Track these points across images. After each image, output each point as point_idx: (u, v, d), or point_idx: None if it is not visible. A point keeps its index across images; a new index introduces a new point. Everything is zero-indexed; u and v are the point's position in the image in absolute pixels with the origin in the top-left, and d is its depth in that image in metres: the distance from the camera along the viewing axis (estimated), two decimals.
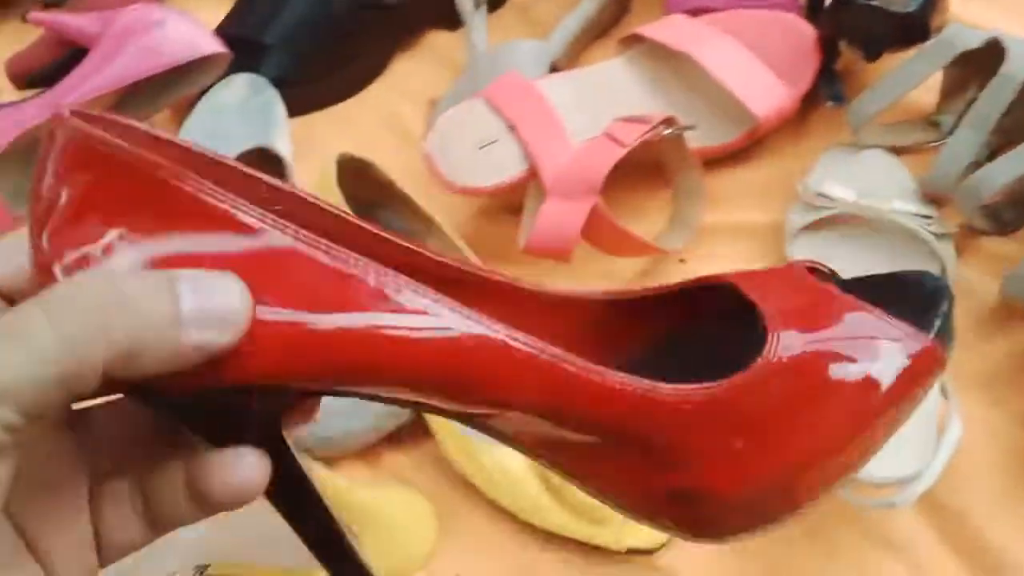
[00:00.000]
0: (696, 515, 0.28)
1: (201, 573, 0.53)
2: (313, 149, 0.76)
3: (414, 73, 0.82)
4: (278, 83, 0.75)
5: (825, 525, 0.53)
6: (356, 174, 0.59)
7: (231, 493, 0.25)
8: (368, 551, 0.56)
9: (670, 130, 0.61)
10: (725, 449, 0.27)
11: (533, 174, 0.60)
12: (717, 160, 0.67)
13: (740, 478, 0.27)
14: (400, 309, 0.24)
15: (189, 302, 0.23)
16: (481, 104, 0.62)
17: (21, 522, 0.25)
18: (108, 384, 0.23)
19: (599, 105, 0.65)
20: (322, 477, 0.54)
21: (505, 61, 0.69)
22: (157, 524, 0.27)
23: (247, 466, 0.25)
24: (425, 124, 0.77)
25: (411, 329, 0.24)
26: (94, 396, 0.24)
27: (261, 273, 0.24)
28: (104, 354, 0.22)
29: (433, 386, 0.25)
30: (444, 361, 0.25)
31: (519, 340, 0.25)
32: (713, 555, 0.53)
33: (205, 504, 0.25)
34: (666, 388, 0.26)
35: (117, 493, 0.27)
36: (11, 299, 0.27)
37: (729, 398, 0.27)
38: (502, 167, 0.60)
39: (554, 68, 0.71)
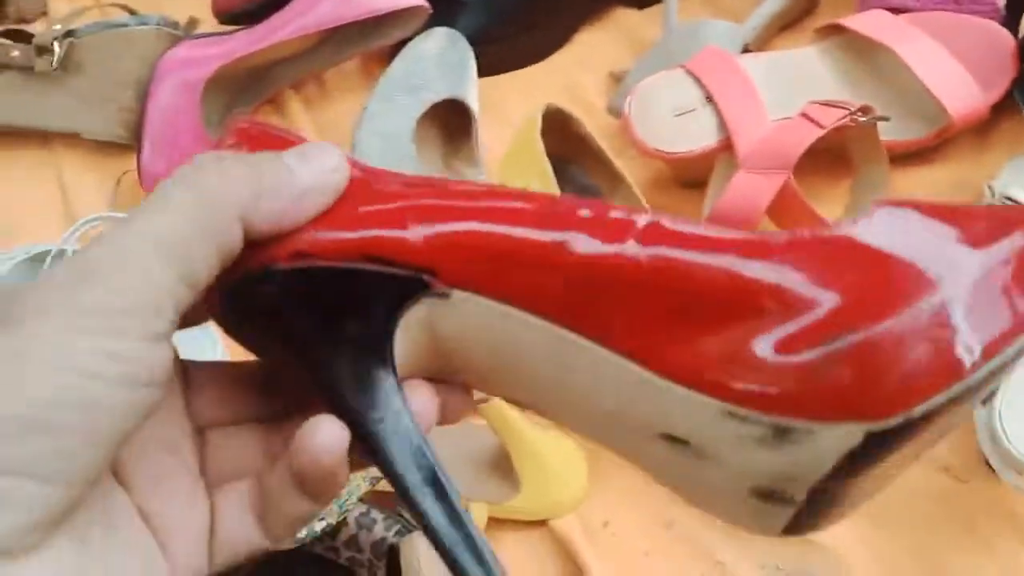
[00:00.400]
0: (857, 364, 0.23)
1: (373, 485, 0.55)
2: (496, 109, 0.79)
3: (597, 46, 0.84)
4: (470, 41, 0.78)
5: (978, 518, 0.53)
6: (558, 125, 0.62)
7: (311, 459, 0.25)
8: (527, 488, 0.58)
9: (866, 119, 0.62)
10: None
11: (726, 146, 0.62)
12: (902, 156, 0.68)
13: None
14: None
15: (296, 161, 0.26)
16: (682, 73, 0.63)
17: (135, 486, 0.26)
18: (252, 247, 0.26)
19: (792, 89, 0.66)
20: (497, 406, 0.56)
21: (698, 38, 0.71)
22: (271, 526, 0.27)
23: (326, 430, 0.25)
24: (605, 96, 0.80)
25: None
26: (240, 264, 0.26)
27: None
28: (235, 205, 0.25)
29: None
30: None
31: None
32: (866, 534, 0.54)
33: (303, 486, 0.26)
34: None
35: (234, 492, 0.28)
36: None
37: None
38: (697, 135, 0.62)
39: (745, 50, 0.73)
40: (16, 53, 0.81)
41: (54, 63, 0.80)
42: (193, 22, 0.86)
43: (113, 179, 0.82)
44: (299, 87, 0.85)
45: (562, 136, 0.63)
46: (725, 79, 0.63)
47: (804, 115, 0.61)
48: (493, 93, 0.80)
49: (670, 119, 0.62)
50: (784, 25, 0.79)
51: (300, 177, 0.26)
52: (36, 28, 0.95)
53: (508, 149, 0.64)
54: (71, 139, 0.85)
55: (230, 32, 0.81)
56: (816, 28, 0.70)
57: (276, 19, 0.78)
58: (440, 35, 0.74)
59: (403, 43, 0.80)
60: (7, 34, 0.83)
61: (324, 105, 0.85)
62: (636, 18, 0.85)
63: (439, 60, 0.73)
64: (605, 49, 0.83)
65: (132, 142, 0.83)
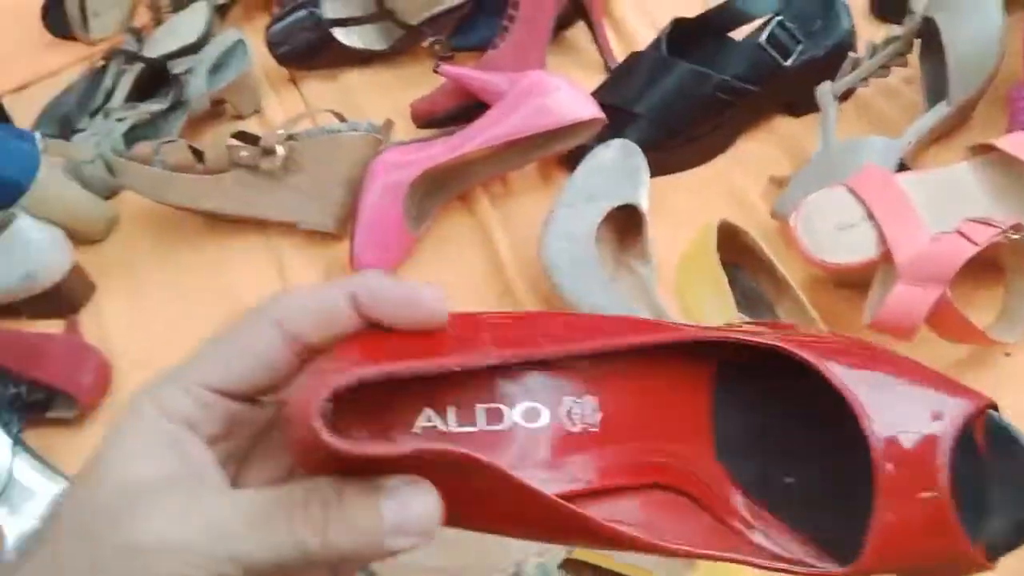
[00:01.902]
0: None
1: (569, 553, 0.63)
2: (663, 206, 0.87)
3: (757, 151, 0.91)
4: (641, 147, 0.86)
5: None
6: (730, 235, 0.69)
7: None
8: None
9: (1018, 236, 0.68)
10: None
11: (886, 257, 0.68)
12: None
13: None
14: None
15: (392, 514, 0.28)
16: (844, 191, 0.70)
17: None
18: None
19: (946, 204, 0.72)
20: None
21: (858, 153, 0.77)
22: None
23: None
24: (766, 198, 0.87)
25: None
26: None
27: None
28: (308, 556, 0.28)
29: None
30: None
31: None
32: None
33: None
34: None
35: None
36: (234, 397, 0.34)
37: None
38: (858, 248, 0.68)
39: (901, 164, 0.79)
40: (245, 153, 0.94)
41: (277, 163, 0.92)
42: (389, 124, 0.97)
43: (324, 265, 0.94)
44: (487, 185, 0.95)
45: (732, 244, 0.71)
46: (884, 197, 0.69)
47: (960, 232, 0.67)
48: (661, 192, 0.88)
49: (833, 233, 0.69)
50: (937, 137, 0.85)
51: (391, 543, 0.28)
52: (252, 126, 1.10)
53: (684, 254, 0.72)
54: (287, 228, 0.97)
55: (429, 139, 0.92)
56: (969, 147, 0.76)
57: (471, 129, 0.88)
58: (617, 146, 0.83)
59: (579, 148, 0.90)
60: (236, 136, 0.96)
61: (508, 201, 0.95)
62: (793, 126, 0.92)
63: (615, 169, 0.82)
64: (764, 154, 0.91)
65: (340, 233, 0.95)
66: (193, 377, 0.33)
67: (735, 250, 0.71)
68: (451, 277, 0.91)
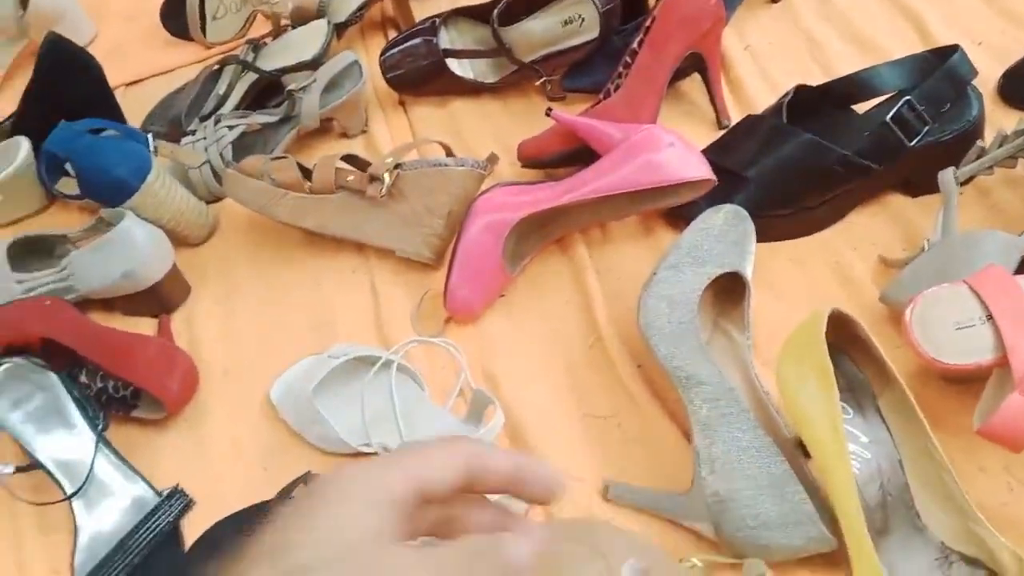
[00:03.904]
0: None
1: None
2: (764, 273, 0.86)
3: (868, 227, 0.89)
4: (748, 211, 0.85)
5: None
6: (840, 323, 0.68)
7: None
8: None
9: None
10: None
11: (1002, 362, 0.66)
12: None
13: None
14: None
15: None
16: (965, 289, 0.68)
17: None
18: None
19: None
20: None
21: (978, 247, 0.75)
22: None
23: None
24: (871, 276, 0.85)
25: None
26: None
27: None
28: None
29: None
30: None
31: None
32: None
33: None
34: None
35: None
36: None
37: None
38: (974, 350, 0.66)
39: (1022, 262, 0.76)
40: (352, 178, 0.95)
41: (383, 190, 0.93)
42: (494, 159, 0.97)
43: (417, 293, 0.95)
44: (586, 231, 0.95)
45: (841, 330, 0.69)
46: (1005, 299, 0.67)
47: None
48: (762, 258, 0.86)
49: (950, 331, 0.67)
50: None
51: None
52: (357, 146, 1.11)
53: (791, 338, 0.70)
54: (384, 253, 0.98)
55: (535, 182, 0.92)
56: None
57: (579, 178, 0.88)
58: (727, 212, 0.82)
59: (685, 204, 0.89)
60: (345, 159, 0.97)
61: (606, 249, 0.94)
62: (908, 205, 0.90)
63: (723, 235, 0.81)
64: (875, 231, 0.89)
65: (435, 264, 0.95)
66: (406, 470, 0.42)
67: (843, 336, 0.69)
68: (542, 320, 0.90)
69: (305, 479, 0.82)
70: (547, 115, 0.95)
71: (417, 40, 1.09)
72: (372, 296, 0.96)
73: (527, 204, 0.88)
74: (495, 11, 1.03)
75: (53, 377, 0.87)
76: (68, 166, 1.05)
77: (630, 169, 0.86)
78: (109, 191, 0.96)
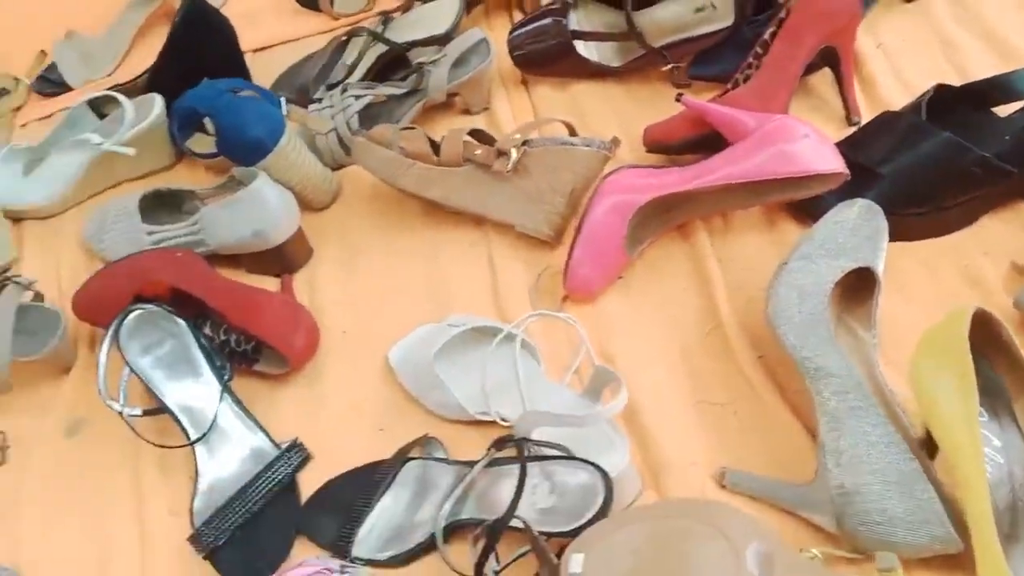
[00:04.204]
0: None
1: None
2: (892, 273, 0.85)
3: (1001, 233, 0.87)
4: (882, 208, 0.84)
5: None
6: (981, 325, 0.67)
7: None
8: None
9: None
10: None
11: None
12: None
13: None
14: None
15: None
16: None
17: None
18: None
19: None
20: None
21: None
22: None
23: None
24: (1002, 281, 0.83)
25: None
26: None
27: None
28: None
29: None
30: None
31: None
32: None
33: None
34: None
35: None
36: None
37: None
38: None
39: None
40: (479, 152, 0.96)
41: (509, 166, 0.94)
42: (616, 142, 0.97)
43: (534, 269, 0.96)
44: (707, 219, 0.95)
45: (981, 332, 0.68)
46: None
47: None
48: (891, 257, 0.85)
49: None
50: None
51: None
52: (479, 122, 1.12)
53: (928, 335, 0.69)
54: (503, 228, 0.99)
55: (662, 166, 0.92)
56: None
57: (710, 163, 0.88)
58: (861, 206, 0.81)
59: (810, 198, 0.88)
60: (472, 134, 0.99)
61: (728, 239, 0.94)
62: None
63: (857, 229, 0.80)
64: (1008, 237, 0.87)
65: (554, 241, 0.96)
66: None
67: (982, 337, 0.68)
68: (659, 304, 0.90)
69: (422, 442, 0.84)
70: (677, 100, 0.96)
71: (547, 20, 1.10)
72: (489, 270, 0.97)
73: (654, 187, 0.88)
74: None
75: (183, 325, 0.90)
76: (207, 122, 1.08)
77: (763, 158, 0.85)
78: (244, 150, 0.99)
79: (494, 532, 0.68)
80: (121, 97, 1.13)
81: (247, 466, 0.87)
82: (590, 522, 0.69)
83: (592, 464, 0.72)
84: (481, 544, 0.69)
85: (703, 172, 0.88)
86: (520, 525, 0.69)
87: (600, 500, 0.70)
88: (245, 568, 0.82)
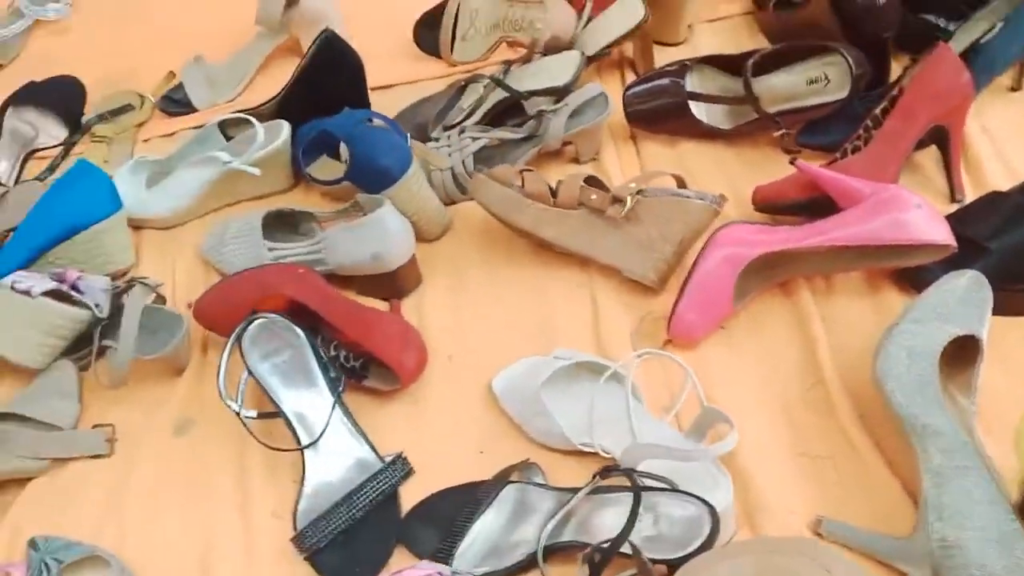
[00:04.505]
0: None
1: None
2: (994, 348, 0.86)
3: None
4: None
5: None
6: None
7: None
8: None
9: None
10: None
11: None
12: None
13: None
14: None
15: None
16: None
17: None
18: None
19: None
20: None
21: None
22: None
23: None
24: None
25: None
26: None
27: None
28: None
29: None
30: None
31: None
32: None
33: None
34: None
35: None
36: None
37: None
38: None
39: None
40: (595, 197, 1.00)
41: (623, 212, 0.98)
42: (723, 199, 1.01)
43: (635, 312, 0.99)
44: (809, 279, 0.98)
45: None
46: None
47: None
48: (995, 331, 0.86)
49: None
50: None
51: None
52: (586, 171, 1.16)
53: None
54: (607, 271, 1.03)
55: (770, 224, 0.96)
56: None
57: (822, 225, 0.91)
58: (970, 277, 0.84)
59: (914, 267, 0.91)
60: (587, 181, 1.03)
61: (830, 300, 0.97)
62: None
63: (966, 298, 0.83)
64: None
65: (658, 287, 1.00)
66: None
67: None
68: (761, 356, 0.93)
69: (522, 466, 0.87)
70: (791, 163, 0.99)
71: (665, 80, 1.15)
72: (592, 309, 1.01)
73: (765, 243, 0.92)
74: (750, 61, 1.08)
75: (303, 337, 0.94)
76: (342, 149, 1.13)
77: (876, 224, 0.89)
78: (374, 177, 1.04)
79: (610, 551, 0.71)
80: (254, 120, 1.20)
81: (351, 474, 0.90)
82: (695, 552, 0.72)
83: (699, 498, 0.75)
84: (591, 562, 0.72)
85: (815, 232, 0.91)
86: (628, 550, 0.72)
87: (706, 531, 0.73)
88: (345, 571, 0.85)
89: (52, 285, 1.03)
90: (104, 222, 1.15)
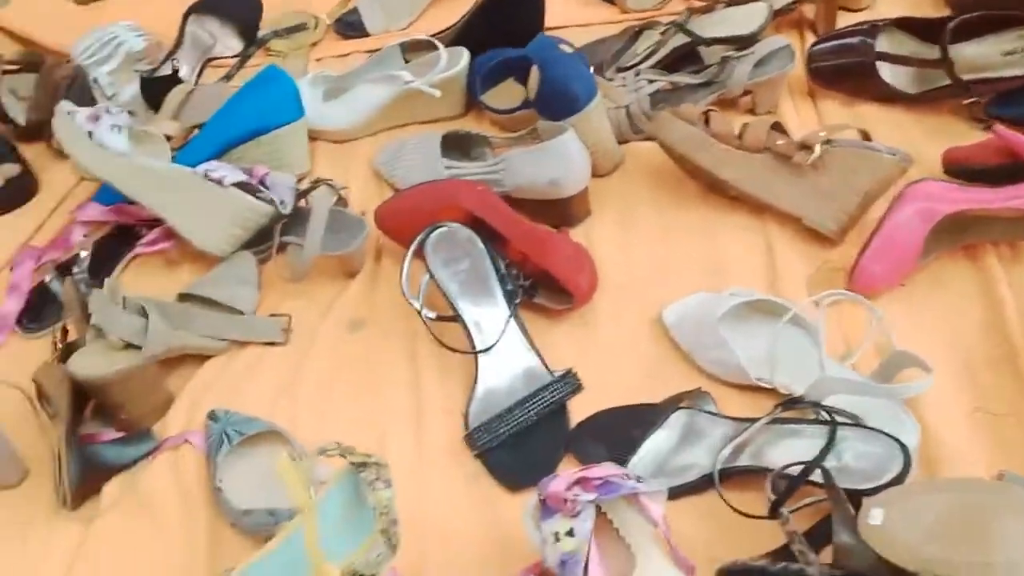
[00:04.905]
0: None
1: None
2: None
3: None
4: None
5: None
6: None
7: None
8: None
9: None
10: None
11: None
12: None
13: None
14: None
15: None
16: None
17: None
18: None
19: None
20: None
21: None
22: None
23: None
24: None
25: None
26: None
27: None
28: None
29: None
30: None
31: None
32: None
33: None
34: None
35: None
36: None
37: None
38: None
39: None
40: (782, 142, 1.00)
41: (810, 159, 0.98)
42: (910, 158, 1.00)
43: (811, 261, 0.99)
44: (995, 245, 0.97)
45: None
46: None
47: None
48: None
49: None
50: None
51: None
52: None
53: None
54: (783, 218, 1.03)
55: (970, 184, 0.95)
56: None
57: (1017, 188, 0.90)
58: None
59: None
60: (773, 127, 1.03)
61: (1017, 267, 0.95)
62: None
63: None
64: None
65: (837, 238, 1.00)
66: None
67: None
68: (942, 315, 0.92)
69: (694, 394, 0.88)
70: (985, 129, 0.99)
71: (854, 39, 1.15)
72: (767, 254, 1.01)
73: (960, 200, 0.91)
74: (949, 25, 1.07)
75: (483, 249, 0.97)
76: (534, 69, 1.15)
77: None
78: (561, 102, 1.06)
79: (801, 477, 0.72)
80: (438, 43, 1.23)
81: (519, 383, 0.93)
82: (885, 485, 0.72)
83: (889, 435, 0.75)
84: (780, 486, 0.73)
85: (1012, 195, 0.90)
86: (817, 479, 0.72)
87: (896, 468, 0.73)
88: (514, 470, 0.87)
89: (242, 177, 1.08)
90: (287, 127, 1.20)
